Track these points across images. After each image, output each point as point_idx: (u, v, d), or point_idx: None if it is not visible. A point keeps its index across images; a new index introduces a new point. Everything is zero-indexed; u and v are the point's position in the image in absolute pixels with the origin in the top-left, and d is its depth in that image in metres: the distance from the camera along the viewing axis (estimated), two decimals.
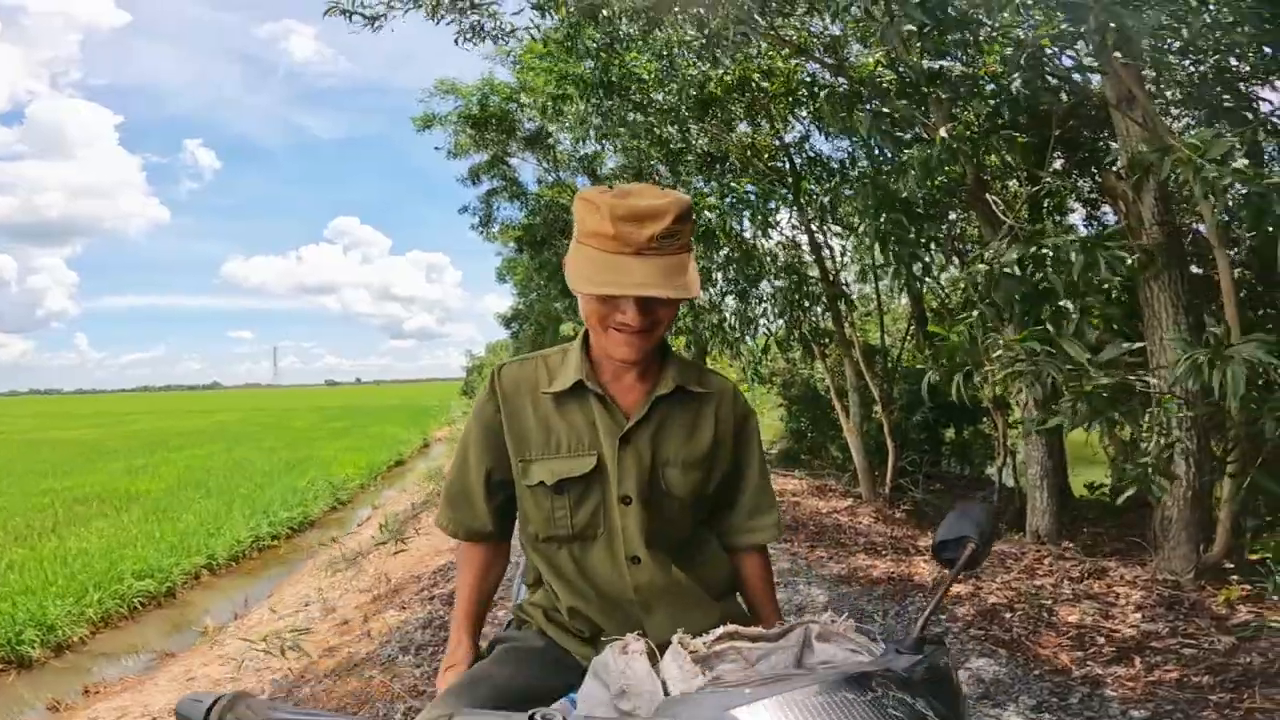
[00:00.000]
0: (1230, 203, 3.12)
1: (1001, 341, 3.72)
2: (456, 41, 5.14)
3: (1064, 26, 3.02)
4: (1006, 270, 3.58)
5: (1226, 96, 3.78)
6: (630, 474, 1.16)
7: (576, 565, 1.20)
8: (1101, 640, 3.03)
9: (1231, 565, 3.70)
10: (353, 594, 5.01)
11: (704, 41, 4.64)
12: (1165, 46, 3.54)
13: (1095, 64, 3.07)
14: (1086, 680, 2.67)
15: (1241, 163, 2.46)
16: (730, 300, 9.81)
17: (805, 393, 10.40)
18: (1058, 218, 5.86)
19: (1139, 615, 3.29)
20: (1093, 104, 4.54)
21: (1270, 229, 2.77)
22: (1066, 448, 6.36)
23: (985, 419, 7.62)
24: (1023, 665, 2.87)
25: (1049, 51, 3.27)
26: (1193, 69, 4.03)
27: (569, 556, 1.20)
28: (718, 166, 7.79)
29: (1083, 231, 5.46)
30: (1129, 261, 3.34)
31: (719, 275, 9.44)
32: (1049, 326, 3.34)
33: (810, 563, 4.52)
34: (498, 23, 5.19)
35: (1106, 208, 5.97)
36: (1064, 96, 4.22)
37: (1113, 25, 2.52)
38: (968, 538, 1.13)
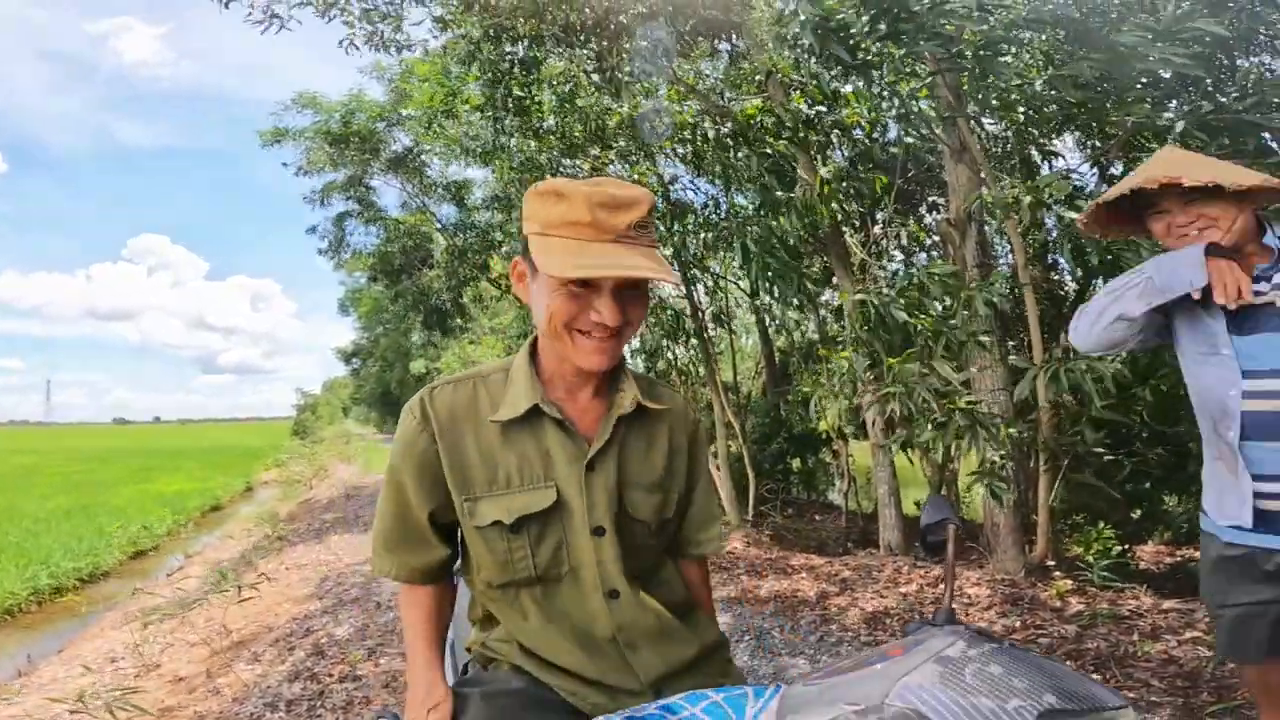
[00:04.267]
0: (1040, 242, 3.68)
1: (882, 367, 4.09)
2: (341, 44, 4.90)
3: (930, 78, 3.47)
4: (890, 303, 3.92)
5: (1029, 150, 4.48)
6: (600, 503, 1.07)
7: (542, 610, 1.09)
8: None
9: (1053, 563, 4.26)
10: (180, 648, 4.31)
11: (603, 75, 4.78)
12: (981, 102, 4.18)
13: (947, 115, 3.54)
14: None
15: (1080, 205, 2.93)
16: None
17: None
18: (885, 260, 6.63)
19: (993, 612, 3.67)
20: (923, 158, 5.21)
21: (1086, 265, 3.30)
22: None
23: (824, 449, 8.28)
24: None
25: (918, 106, 3.72)
26: (998, 126, 4.78)
27: (532, 601, 1.09)
28: None
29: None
30: (994, 300, 3.82)
31: None
32: (929, 347, 3.71)
33: None
34: (401, 34, 5.02)
35: (921, 253, 6.85)
36: (907, 150, 4.83)
37: (979, 80, 2.94)
38: (947, 520, 1.25)
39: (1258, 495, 1.45)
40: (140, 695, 3.21)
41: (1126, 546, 4.98)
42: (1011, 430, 3.94)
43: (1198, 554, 5.13)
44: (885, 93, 3.95)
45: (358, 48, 5.15)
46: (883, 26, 2.88)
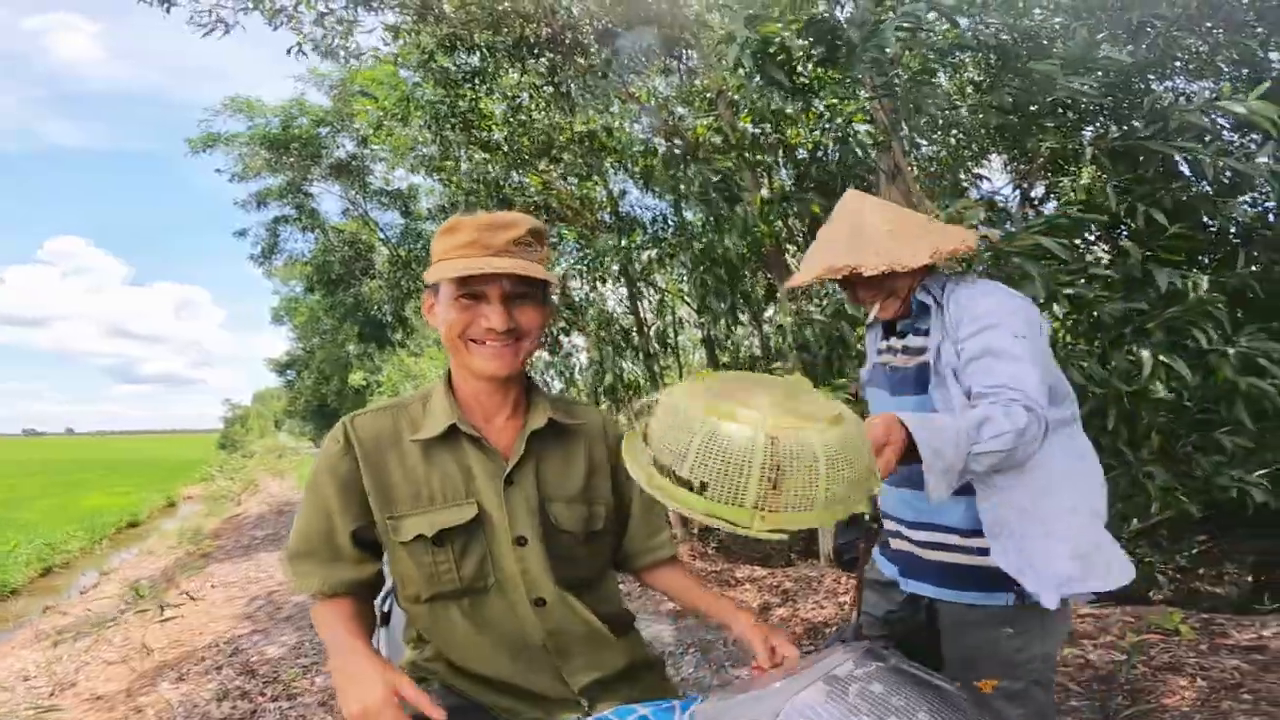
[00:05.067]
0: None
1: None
2: (289, 52, 4.82)
3: (868, 102, 3.64)
4: (818, 319, 4.07)
5: (958, 176, 4.71)
6: (520, 515, 1.13)
7: (471, 621, 1.13)
8: None
9: None
10: (96, 667, 4.08)
11: (556, 88, 4.82)
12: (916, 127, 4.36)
13: (881, 140, 3.71)
14: None
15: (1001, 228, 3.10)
16: (542, 353, 9.94)
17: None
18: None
19: None
20: (863, 179, 5.43)
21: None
22: None
23: None
24: None
25: (853, 128, 3.89)
26: (931, 149, 5.01)
27: (461, 613, 1.13)
28: (545, 215, 7.98)
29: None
30: None
31: None
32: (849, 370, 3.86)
33: (648, 600, 4.60)
34: (351, 41, 4.97)
35: None
36: (846, 171, 5.01)
37: (912, 105, 3.11)
38: (856, 540, 1.36)
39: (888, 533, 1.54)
40: (57, 714, 3.03)
41: None
42: None
43: None
44: (825, 115, 4.12)
45: (306, 54, 5.07)
46: (821, 50, 3.00)
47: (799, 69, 3.20)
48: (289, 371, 34.71)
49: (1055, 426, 1.25)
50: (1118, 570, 1.31)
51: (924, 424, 1.03)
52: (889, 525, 1.49)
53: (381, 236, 11.99)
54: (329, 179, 11.89)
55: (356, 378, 21.72)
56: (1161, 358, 2.94)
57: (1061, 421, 1.32)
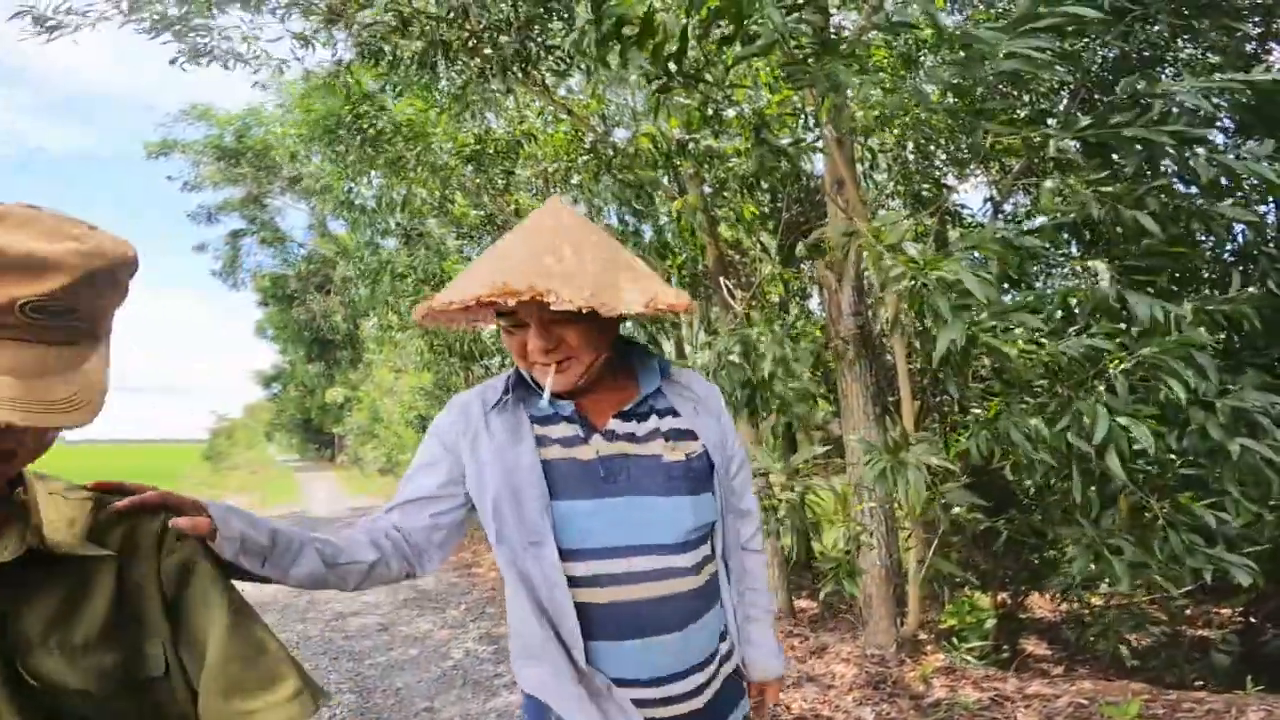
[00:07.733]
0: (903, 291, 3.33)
1: None
2: (175, 63, 4.45)
3: (790, 93, 3.14)
4: (731, 359, 3.53)
5: (925, 186, 4.17)
6: None
7: None
8: None
9: (925, 636, 3.93)
10: None
11: (460, 92, 4.39)
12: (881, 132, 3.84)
13: (799, 140, 3.21)
14: None
15: (916, 248, 2.54)
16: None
17: None
18: (797, 300, 6.30)
19: (850, 698, 3.29)
20: (816, 189, 4.89)
21: (930, 320, 2.90)
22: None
23: None
24: None
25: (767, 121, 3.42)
26: (899, 157, 4.50)
27: None
28: (490, 228, 7.58)
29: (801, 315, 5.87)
30: (827, 353, 3.47)
31: None
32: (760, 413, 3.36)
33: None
34: (256, 49, 4.57)
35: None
36: (783, 172, 4.50)
37: (829, 98, 2.60)
38: None
39: None
40: None
41: (1023, 590, 4.66)
42: (873, 503, 3.61)
43: (1093, 601, 4.70)
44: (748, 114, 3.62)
45: (200, 63, 4.63)
46: (722, 27, 2.45)
47: (689, 51, 2.65)
48: (274, 385, 34.31)
49: None
50: None
51: (767, 636, 1.27)
52: (639, 695, 1.08)
53: (335, 249, 11.60)
54: (287, 191, 11.49)
55: (334, 393, 21.30)
56: (1120, 419, 2.34)
57: None
